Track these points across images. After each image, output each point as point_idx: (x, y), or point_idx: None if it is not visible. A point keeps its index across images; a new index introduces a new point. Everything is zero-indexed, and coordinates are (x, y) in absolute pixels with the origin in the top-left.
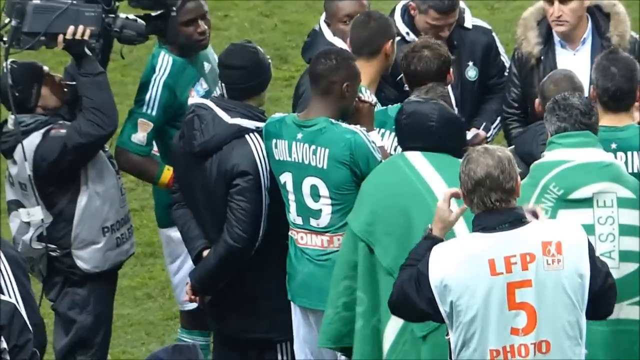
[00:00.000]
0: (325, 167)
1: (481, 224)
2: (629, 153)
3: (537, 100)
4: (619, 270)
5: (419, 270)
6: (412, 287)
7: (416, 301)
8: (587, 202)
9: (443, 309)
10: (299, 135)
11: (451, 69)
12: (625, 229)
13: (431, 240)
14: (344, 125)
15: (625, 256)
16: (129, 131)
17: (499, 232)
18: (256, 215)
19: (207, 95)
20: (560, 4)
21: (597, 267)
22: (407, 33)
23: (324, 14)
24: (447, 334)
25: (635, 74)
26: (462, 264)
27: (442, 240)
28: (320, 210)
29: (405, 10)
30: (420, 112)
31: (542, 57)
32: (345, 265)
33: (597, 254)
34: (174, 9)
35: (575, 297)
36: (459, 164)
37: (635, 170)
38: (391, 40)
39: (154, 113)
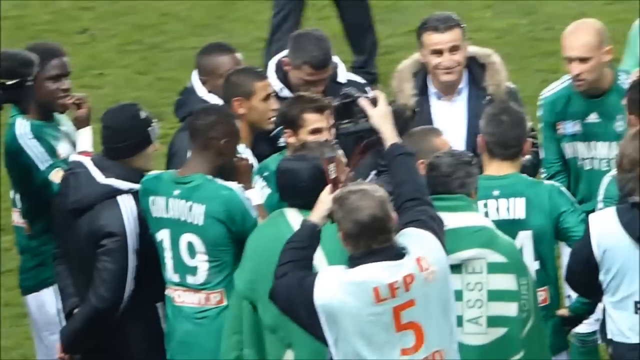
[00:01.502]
0: (201, 223)
1: (364, 261)
2: (511, 199)
3: None
4: (486, 335)
5: (303, 287)
6: (296, 296)
7: (300, 314)
8: (456, 268)
9: (329, 335)
10: (176, 192)
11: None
12: (494, 295)
13: (311, 225)
14: (220, 181)
15: (493, 321)
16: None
17: (382, 262)
18: (121, 277)
19: (67, 157)
20: (450, 54)
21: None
22: (281, 89)
23: (195, 71)
24: None
25: (524, 123)
26: (347, 292)
27: (319, 226)
28: (196, 267)
29: (279, 66)
30: (292, 170)
31: (417, 109)
32: (235, 320)
33: (465, 319)
34: (30, 78)
35: (449, 298)
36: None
37: (517, 217)
38: (238, 100)
39: (51, 161)
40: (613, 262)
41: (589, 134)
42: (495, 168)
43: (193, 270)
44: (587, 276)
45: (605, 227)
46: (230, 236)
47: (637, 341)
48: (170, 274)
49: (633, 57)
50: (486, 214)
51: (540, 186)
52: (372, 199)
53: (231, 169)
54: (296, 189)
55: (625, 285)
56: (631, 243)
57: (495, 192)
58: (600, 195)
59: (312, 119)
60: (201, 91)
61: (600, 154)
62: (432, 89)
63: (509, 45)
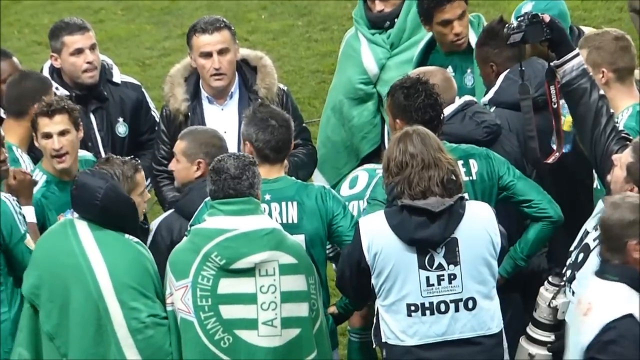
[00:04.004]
0: None
1: None
2: (283, 203)
3: None
4: (281, 337)
5: None
6: None
7: None
8: (249, 272)
9: None
10: None
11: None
12: (287, 296)
13: None
14: None
15: (287, 322)
16: None
17: None
18: None
19: None
20: (219, 56)
21: None
22: (57, 88)
23: None
24: None
25: (291, 124)
26: None
27: None
28: None
29: (52, 68)
30: (89, 186)
31: (189, 114)
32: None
33: (260, 322)
34: None
35: None
36: (127, 242)
37: (290, 221)
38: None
39: None
40: (384, 266)
41: None
42: (265, 171)
43: None
44: (357, 280)
45: (375, 231)
46: None
47: (412, 344)
48: None
49: (356, 66)
50: None
51: (309, 189)
52: None
53: (9, 181)
54: (89, 206)
55: (397, 288)
56: (401, 246)
57: (267, 197)
58: (367, 195)
59: (42, 123)
60: None
61: None
62: (204, 94)
63: (285, 47)
